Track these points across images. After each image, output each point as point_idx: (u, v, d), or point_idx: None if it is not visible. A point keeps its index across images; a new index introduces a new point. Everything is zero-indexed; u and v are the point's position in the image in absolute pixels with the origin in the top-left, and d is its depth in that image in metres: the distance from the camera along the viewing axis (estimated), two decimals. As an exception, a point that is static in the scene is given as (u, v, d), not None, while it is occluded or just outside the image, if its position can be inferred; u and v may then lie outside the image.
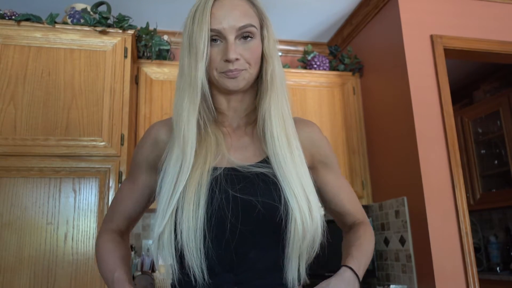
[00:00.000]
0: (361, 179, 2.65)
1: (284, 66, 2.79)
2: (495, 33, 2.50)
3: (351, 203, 1.01)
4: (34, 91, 2.00)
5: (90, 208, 1.92)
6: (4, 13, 2.08)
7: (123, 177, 1.99)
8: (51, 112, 1.99)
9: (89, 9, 2.21)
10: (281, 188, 0.82)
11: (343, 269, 0.86)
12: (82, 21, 2.14)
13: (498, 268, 3.43)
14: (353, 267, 0.86)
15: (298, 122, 0.96)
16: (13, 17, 2.08)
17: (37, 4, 2.51)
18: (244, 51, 0.86)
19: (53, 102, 2.01)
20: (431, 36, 2.38)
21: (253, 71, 0.88)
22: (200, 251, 0.79)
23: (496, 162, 3.61)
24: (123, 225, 1.00)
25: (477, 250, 3.66)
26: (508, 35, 2.52)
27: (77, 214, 1.90)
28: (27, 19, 2.07)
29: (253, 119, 0.94)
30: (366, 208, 2.69)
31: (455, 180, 2.18)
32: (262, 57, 0.91)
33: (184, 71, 0.87)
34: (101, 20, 2.15)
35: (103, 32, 2.13)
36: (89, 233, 1.90)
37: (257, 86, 0.93)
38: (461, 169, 2.22)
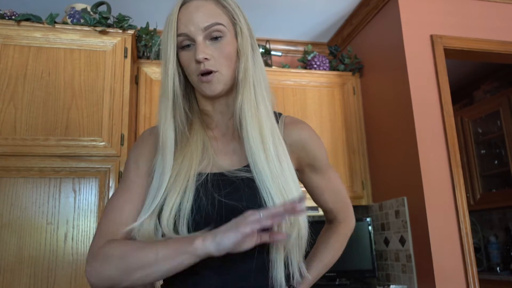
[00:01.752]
0: (361, 179, 2.65)
1: (284, 66, 2.79)
2: (495, 33, 2.50)
3: (334, 202, 1.03)
4: (34, 91, 2.00)
5: (90, 208, 1.92)
6: (4, 13, 2.08)
7: (123, 177, 1.98)
8: (51, 112, 1.99)
9: (89, 9, 2.21)
10: (260, 193, 0.81)
11: None
12: (82, 21, 2.14)
13: (498, 268, 3.43)
14: None
15: (288, 122, 0.95)
16: (13, 17, 2.08)
17: (37, 4, 2.51)
18: (215, 51, 0.86)
19: (53, 102, 2.01)
20: (431, 36, 2.38)
21: (226, 72, 0.87)
22: None
23: (496, 162, 3.61)
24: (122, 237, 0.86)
25: (477, 250, 3.66)
26: (508, 35, 2.52)
27: (77, 214, 1.90)
28: (27, 19, 2.07)
29: None
30: (366, 208, 2.69)
31: (455, 180, 2.18)
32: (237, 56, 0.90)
33: (161, 80, 0.90)
34: (101, 20, 2.15)
35: (103, 32, 2.13)
36: (89, 233, 1.90)
37: None
38: (461, 169, 2.22)
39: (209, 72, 0.85)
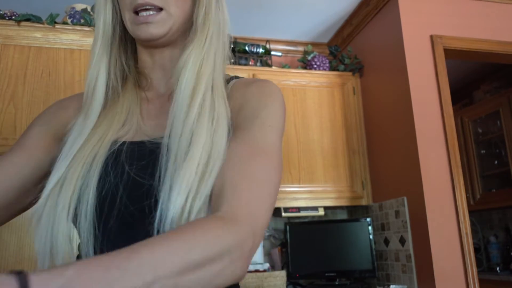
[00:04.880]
0: (361, 179, 2.65)
1: (284, 66, 2.79)
2: (495, 33, 2.50)
3: (233, 184, 0.57)
4: (34, 91, 2.00)
5: (90, 208, 1.92)
6: (4, 13, 2.08)
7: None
8: (51, 112, 1.99)
9: (89, 9, 2.21)
10: (166, 171, 0.59)
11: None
12: (82, 21, 2.14)
13: (498, 268, 3.43)
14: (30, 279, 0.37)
15: (245, 81, 0.73)
16: (13, 17, 2.08)
17: (37, 4, 2.50)
18: None
19: (53, 102, 2.00)
20: (431, 36, 2.38)
21: (175, 11, 0.67)
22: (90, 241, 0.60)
23: (496, 162, 3.61)
24: None
25: (477, 250, 3.66)
26: (508, 35, 2.52)
27: (77, 214, 1.90)
28: (27, 19, 2.07)
29: None
30: (366, 208, 2.69)
31: (455, 180, 2.18)
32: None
33: (95, 19, 0.72)
34: (101, 20, 2.15)
35: (103, 32, 2.14)
36: (89, 233, 1.90)
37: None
38: (461, 169, 2.22)
39: (150, 9, 0.65)
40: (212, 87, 0.67)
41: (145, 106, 0.72)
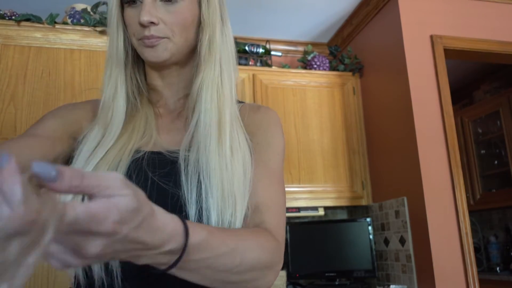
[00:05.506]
0: (361, 179, 2.65)
1: (284, 66, 2.79)
2: (495, 33, 2.50)
3: (263, 198, 0.69)
4: (34, 91, 2.00)
5: (90, 208, 1.92)
6: (4, 13, 2.08)
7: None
8: (51, 112, 1.99)
9: (89, 9, 2.21)
10: (201, 182, 0.66)
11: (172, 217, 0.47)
12: (82, 21, 2.14)
13: (498, 268, 3.43)
14: (191, 228, 0.48)
15: (249, 109, 0.80)
16: (13, 17, 2.08)
17: (37, 4, 2.50)
18: (166, 14, 0.71)
19: (53, 102, 2.01)
20: (431, 36, 2.38)
21: (178, 41, 0.73)
22: None
23: (496, 162, 3.61)
24: None
25: (477, 250, 3.66)
26: (508, 35, 2.52)
27: (77, 214, 1.90)
28: (27, 19, 2.07)
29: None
30: (366, 208, 2.69)
31: (455, 180, 2.18)
32: (200, 26, 0.76)
33: (108, 41, 0.78)
34: (101, 20, 2.15)
35: (103, 32, 2.13)
36: (89, 233, 1.90)
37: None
38: (461, 169, 2.22)
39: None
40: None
41: (159, 120, 0.78)
